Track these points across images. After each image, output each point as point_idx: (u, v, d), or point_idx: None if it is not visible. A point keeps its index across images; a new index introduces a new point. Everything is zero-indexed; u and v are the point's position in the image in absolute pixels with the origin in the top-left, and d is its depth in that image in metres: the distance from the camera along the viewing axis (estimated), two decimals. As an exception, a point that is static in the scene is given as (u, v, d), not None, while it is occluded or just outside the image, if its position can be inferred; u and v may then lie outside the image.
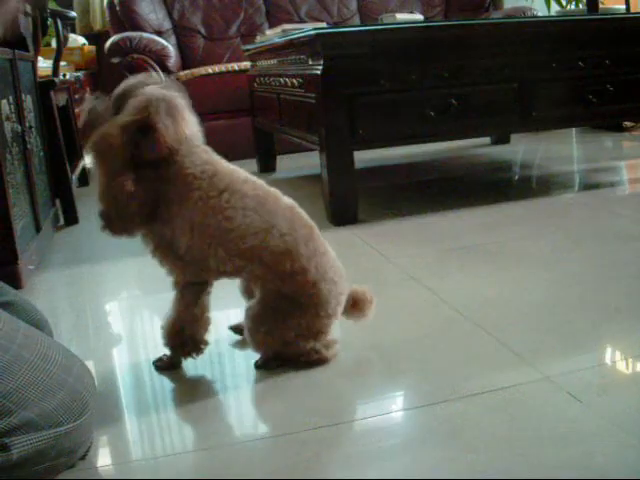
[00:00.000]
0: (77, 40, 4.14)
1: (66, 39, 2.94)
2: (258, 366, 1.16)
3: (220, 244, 1.08)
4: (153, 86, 1.09)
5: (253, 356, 1.21)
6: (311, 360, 1.13)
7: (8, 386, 0.79)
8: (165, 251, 1.12)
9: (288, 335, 1.11)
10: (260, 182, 1.15)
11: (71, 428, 0.84)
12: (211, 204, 1.07)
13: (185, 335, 1.15)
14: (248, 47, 3.06)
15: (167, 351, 1.18)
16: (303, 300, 1.10)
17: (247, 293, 1.23)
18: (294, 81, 2.23)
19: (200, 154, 1.11)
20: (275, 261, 1.09)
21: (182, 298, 1.15)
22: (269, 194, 1.13)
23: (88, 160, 2.80)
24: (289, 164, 3.32)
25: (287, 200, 1.15)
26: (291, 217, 1.12)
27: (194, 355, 1.17)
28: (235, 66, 3.51)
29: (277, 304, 1.11)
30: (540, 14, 3.98)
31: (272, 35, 2.74)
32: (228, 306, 1.40)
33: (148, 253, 1.14)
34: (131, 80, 1.11)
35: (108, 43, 3.55)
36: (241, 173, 1.14)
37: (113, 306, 1.63)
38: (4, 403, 0.79)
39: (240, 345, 1.26)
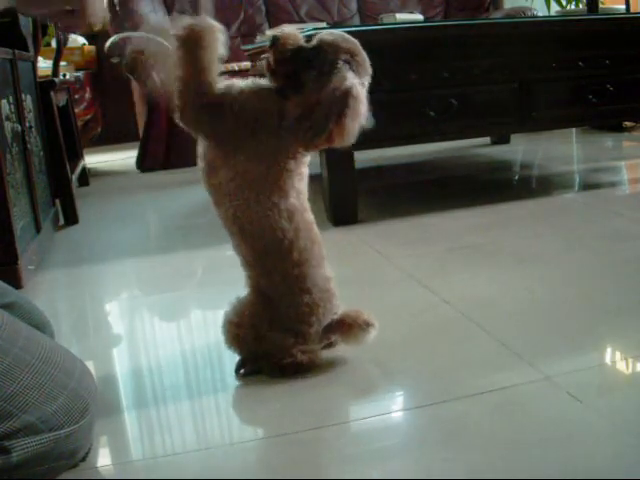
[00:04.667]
0: (77, 40, 4.14)
1: (66, 39, 2.94)
2: (235, 370, 1.12)
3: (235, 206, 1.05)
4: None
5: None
6: (296, 362, 1.07)
7: (9, 389, 0.79)
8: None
9: (260, 327, 1.06)
10: None
11: (71, 431, 0.83)
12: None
13: None
14: (248, 47, 3.05)
15: None
16: (281, 290, 1.07)
17: None
18: (294, 81, 2.23)
19: None
20: (273, 249, 1.06)
21: None
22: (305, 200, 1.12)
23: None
24: (289, 164, 3.31)
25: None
26: (305, 220, 1.09)
27: None
28: (235, 66, 3.51)
29: (256, 297, 1.09)
30: (540, 14, 3.98)
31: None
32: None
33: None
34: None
35: (108, 43, 3.55)
36: None
37: (113, 306, 1.63)
38: (5, 407, 0.78)
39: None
